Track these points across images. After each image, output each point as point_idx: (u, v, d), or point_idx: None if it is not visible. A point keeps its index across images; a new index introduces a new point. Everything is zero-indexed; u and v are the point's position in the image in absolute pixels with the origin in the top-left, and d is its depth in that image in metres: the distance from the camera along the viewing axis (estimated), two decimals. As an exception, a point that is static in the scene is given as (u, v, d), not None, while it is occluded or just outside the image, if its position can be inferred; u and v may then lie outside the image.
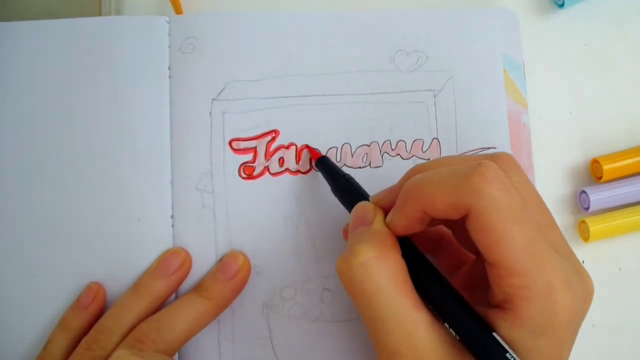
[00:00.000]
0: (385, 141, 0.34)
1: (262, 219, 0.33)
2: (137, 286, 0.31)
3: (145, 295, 0.31)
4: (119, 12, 0.37)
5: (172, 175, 0.33)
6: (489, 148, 0.34)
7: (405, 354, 0.23)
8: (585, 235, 0.36)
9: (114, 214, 0.33)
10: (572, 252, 0.25)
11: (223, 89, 0.34)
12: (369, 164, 0.34)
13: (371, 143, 0.34)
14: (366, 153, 0.34)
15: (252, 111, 0.34)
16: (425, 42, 0.35)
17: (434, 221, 0.25)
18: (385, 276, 0.24)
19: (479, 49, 0.35)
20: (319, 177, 0.33)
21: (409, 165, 0.34)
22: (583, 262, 0.26)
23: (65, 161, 0.33)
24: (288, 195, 0.33)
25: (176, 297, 0.32)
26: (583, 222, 0.36)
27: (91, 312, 0.31)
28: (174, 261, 0.32)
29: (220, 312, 0.32)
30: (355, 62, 0.35)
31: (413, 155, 0.34)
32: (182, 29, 0.34)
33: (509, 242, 0.22)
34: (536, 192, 0.26)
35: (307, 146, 0.34)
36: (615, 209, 0.36)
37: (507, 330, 0.23)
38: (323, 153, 0.33)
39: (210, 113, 0.34)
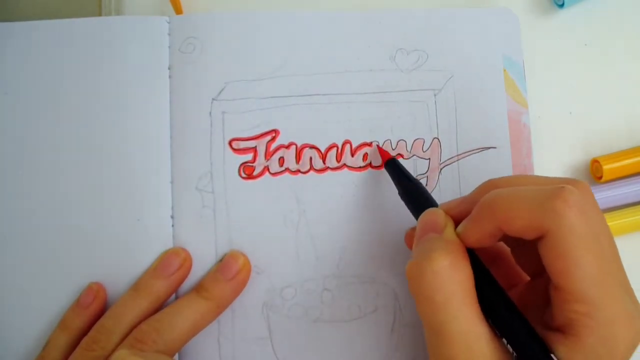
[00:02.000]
0: (386, 141, 0.34)
1: (262, 219, 0.33)
2: (137, 286, 0.31)
3: (146, 296, 0.31)
4: (119, 12, 0.37)
5: (172, 175, 0.33)
6: (489, 148, 0.34)
7: None
8: (585, 235, 0.36)
9: (114, 214, 0.33)
10: (631, 288, 0.25)
11: (223, 89, 0.34)
12: (370, 163, 0.34)
13: (371, 142, 0.34)
14: (366, 152, 0.34)
15: (252, 111, 0.34)
16: (426, 41, 0.35)
17: (504, 238, 0.25)
18: (456, 286, 0.24)
19: (479, 48, 0.35)
20: (318, 178, 0.33)
21: (409, 164, 0.34)
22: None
23: (65, 161, 0.33)
24: (288, 195, 0.33)
25: (176, 297, 0.32)
26: (583, 222, 0.36)
27: (91, 312, 0.31)
28: (174, 261, 0.32)
29: (221, 312, 0.32)
30: (355, 61, 0.35)
31: (414, 155, 0.34)
32: (182, 29, 0.34)
33: (581, 269, 0.22)
34: (606, 223, 0.26)
35: (378, 146, 0.34)
36: (615, 209, 0.36)
37: (565, 354, 0.23)
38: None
39: (210, 113, 0.34)
